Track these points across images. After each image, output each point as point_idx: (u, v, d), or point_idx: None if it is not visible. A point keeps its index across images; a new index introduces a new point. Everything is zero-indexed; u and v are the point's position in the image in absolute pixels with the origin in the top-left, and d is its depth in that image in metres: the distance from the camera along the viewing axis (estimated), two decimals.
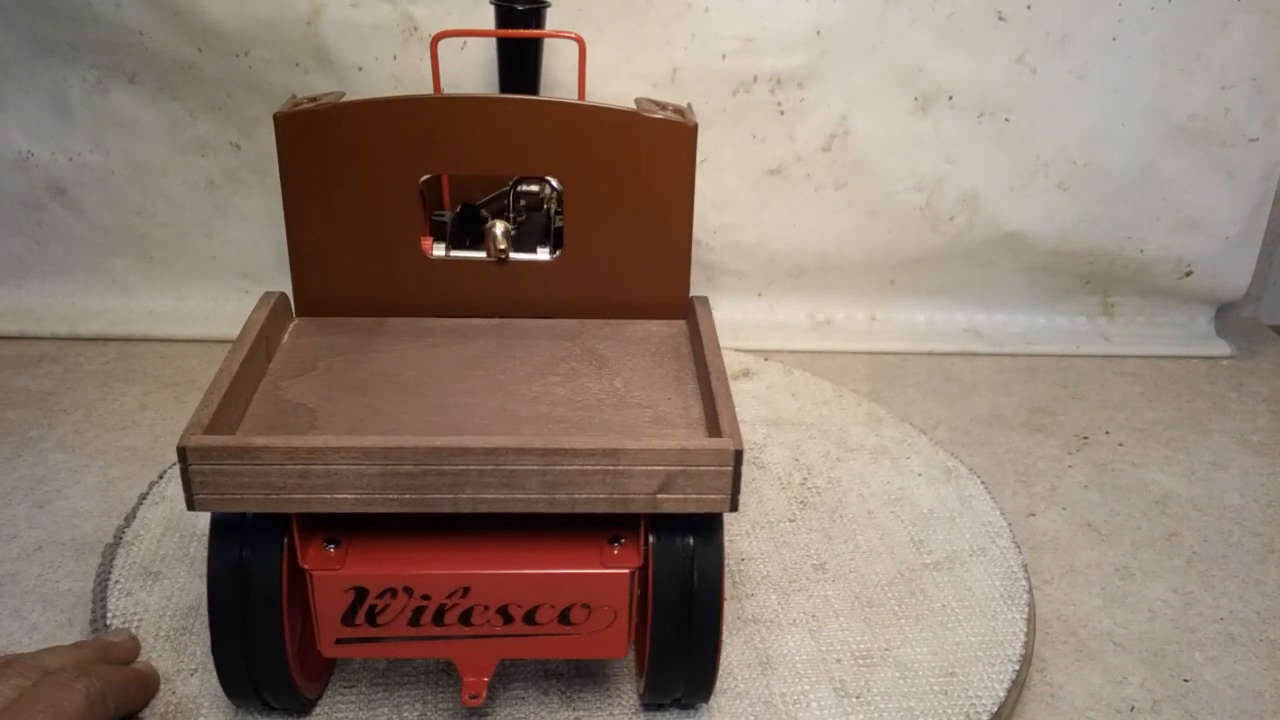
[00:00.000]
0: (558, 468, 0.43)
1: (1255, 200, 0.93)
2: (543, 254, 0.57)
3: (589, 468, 0.43)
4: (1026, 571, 0.63)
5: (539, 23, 0.70)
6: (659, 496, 0.44)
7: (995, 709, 0.53)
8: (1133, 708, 0.55)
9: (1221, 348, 0.95)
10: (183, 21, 0.82)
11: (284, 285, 1.01)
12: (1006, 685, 0.54)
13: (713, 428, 0.47)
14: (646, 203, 0.55)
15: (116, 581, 0.59)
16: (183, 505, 0.62)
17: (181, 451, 0.42)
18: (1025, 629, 0.58)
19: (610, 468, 0.43)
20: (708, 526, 0.47)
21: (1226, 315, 1.02)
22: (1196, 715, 0.55)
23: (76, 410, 0.80)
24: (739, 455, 0.43)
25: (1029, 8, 0.84)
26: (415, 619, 0.45)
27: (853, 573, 0.62)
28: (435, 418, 0.48)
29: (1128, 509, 0.72)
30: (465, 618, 0.46)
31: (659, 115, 0.54)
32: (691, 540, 0.46)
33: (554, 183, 0.64)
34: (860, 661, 0.56)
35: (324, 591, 0.45)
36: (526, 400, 0.50)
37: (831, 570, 0.62)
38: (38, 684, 0.44)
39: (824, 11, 0.84)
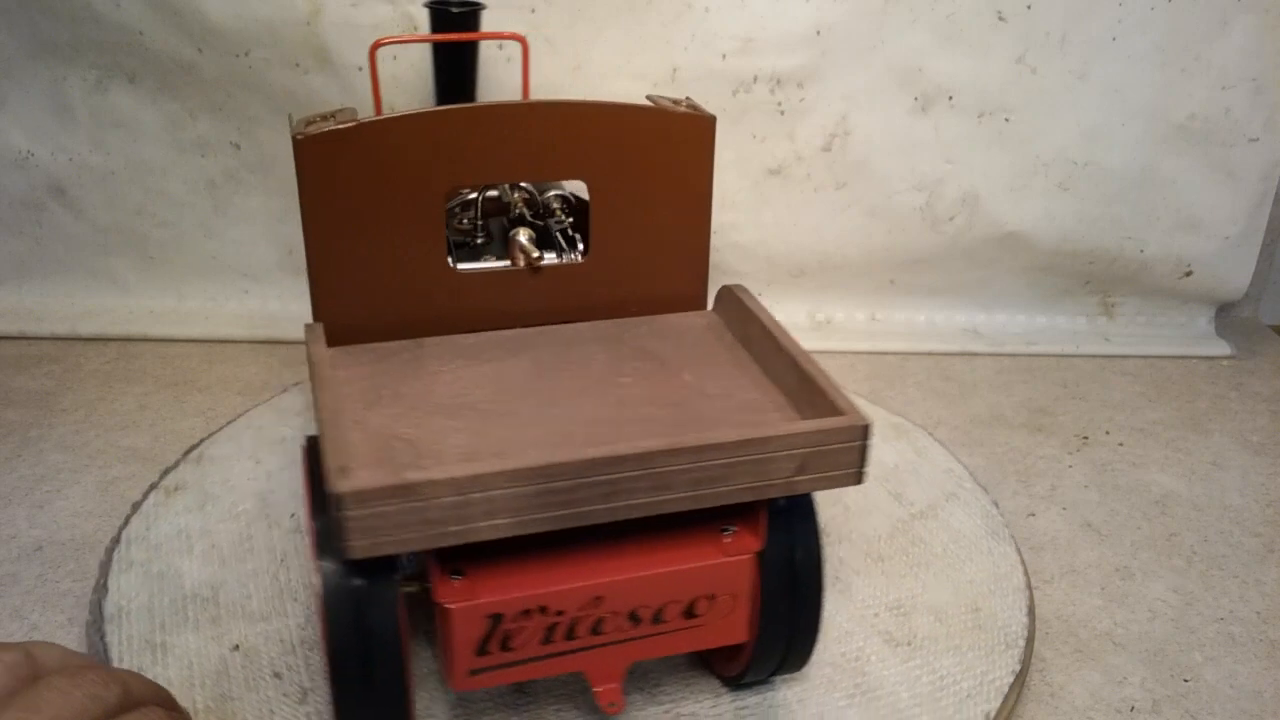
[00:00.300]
0: (706, 463, 0.43)
1: (1255, 200, 0.93)
2: (550, 258, 0.57)
3: (735, 459, 0.43)
4: (999, 509, 0.68)
5: (475, 25, 0.69)
6: (795, 479, 0.44)
7: (1026, 635, 0.58)
8: (1133, 708, 0.55)
9: (1221, 348, 0.95)
10: (183, 21, 0.82)
11: (283, 285, 1.01)
12: (1025, 611, 0.59)
13: (805, 408, 0.48)
14: (669, 197, 0.55)
15: (120, 660, 0.54)
16: (159, 567, 0.60)
17: (338, 498, 0.39)
18: (1019, 558, 0.64)
19: (755, 456, 0.43)
20: (804, 502, 0.47)
21: (1226, 315, 1.02)
22: (1196, 715, 0.55)
23: (76, 410, 0.80)
24: (867, 429, 0.44)
25: (1029, 8, 0.84)
26: (548, 637, 0.45)
27: (854, 532, 0.65)
28: (538, 431, 0.47)
29: (1128, 509, 0.72)
30: (596, 628, 0.45)
31: (680, 109, 0.54)
32: (794, 517, 0.47)
33: (527, 187, 0.63)
34: (896, 612, 0.59)
35: (461, 624, 0.43)
36: (612, 404, 0.49)
37: (834, 533, 0.65)
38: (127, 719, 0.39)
39: (824, 11, 0.84)
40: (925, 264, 0.94)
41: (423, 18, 0.82)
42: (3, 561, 0.63)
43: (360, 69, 0.83)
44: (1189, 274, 0.95)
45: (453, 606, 0.43)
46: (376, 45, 0.60)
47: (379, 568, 0.43)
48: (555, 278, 0.56)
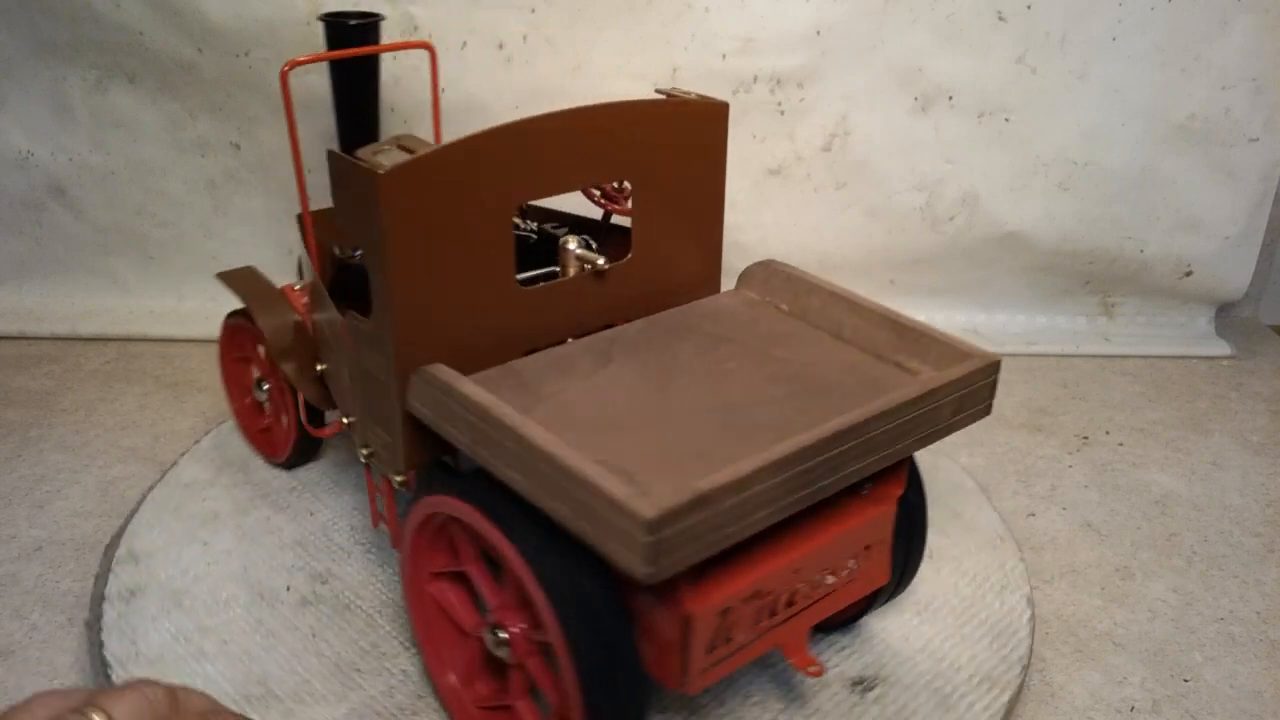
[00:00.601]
0: (902, 420, 0.45)
1: (1255, 200, 0.93)
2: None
3: (918, 413, 0.45)
4: None
5: (375, 37, 0.68)
6: (953, 420, 0.47)
7: (1006, 526, 0.66)
8: (1133, 708, 0.55)
9: (1221, 348, 0.95)
10: (183, 21, 0.82)
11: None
12: (992, 508, 0.68)
13: (913, 358, 0.50)
14: (691, 185, 0.56)
15: None
16: (178, 680, 0.53)
17: (652, 524, 0.37)
18: (959, 467, 0.72)
19: (932, 406, 0.46)
20: None
21: (1226, 315, 1.02)
22: (1196, 715, 0.55)
23: (76, 410, 0.80)
24: (999, 364, 0.48)
25: (1029, 8, 0.84)
26: (756, 619, 0.46)
27: None
28: (708, 427, 0.46)
29: (1128, 509, 0.72)
30: (790, 600, 0.47)
31: (694, 98, 0.55)
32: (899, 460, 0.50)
33: None
34: None
35: (701, 626, 0.43)
36: (740, 390, 0.49)
37: None
38: None
39: (824, 11, 0.84)
40: (925, 264, 0.94)
41: (422, 17, 0.82)
42: (3, 561, 0.63)
43: None
44: (1189, 274, 0.95)
45: (697, 610, 0.43)
46: (287, 68, 0.57)
47: (603, 589, 0.43)
48: (610, 280, 0.56)
